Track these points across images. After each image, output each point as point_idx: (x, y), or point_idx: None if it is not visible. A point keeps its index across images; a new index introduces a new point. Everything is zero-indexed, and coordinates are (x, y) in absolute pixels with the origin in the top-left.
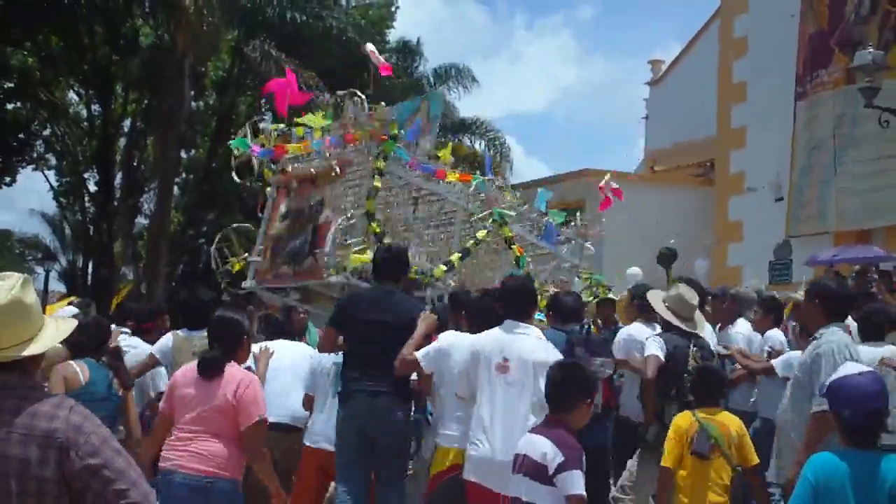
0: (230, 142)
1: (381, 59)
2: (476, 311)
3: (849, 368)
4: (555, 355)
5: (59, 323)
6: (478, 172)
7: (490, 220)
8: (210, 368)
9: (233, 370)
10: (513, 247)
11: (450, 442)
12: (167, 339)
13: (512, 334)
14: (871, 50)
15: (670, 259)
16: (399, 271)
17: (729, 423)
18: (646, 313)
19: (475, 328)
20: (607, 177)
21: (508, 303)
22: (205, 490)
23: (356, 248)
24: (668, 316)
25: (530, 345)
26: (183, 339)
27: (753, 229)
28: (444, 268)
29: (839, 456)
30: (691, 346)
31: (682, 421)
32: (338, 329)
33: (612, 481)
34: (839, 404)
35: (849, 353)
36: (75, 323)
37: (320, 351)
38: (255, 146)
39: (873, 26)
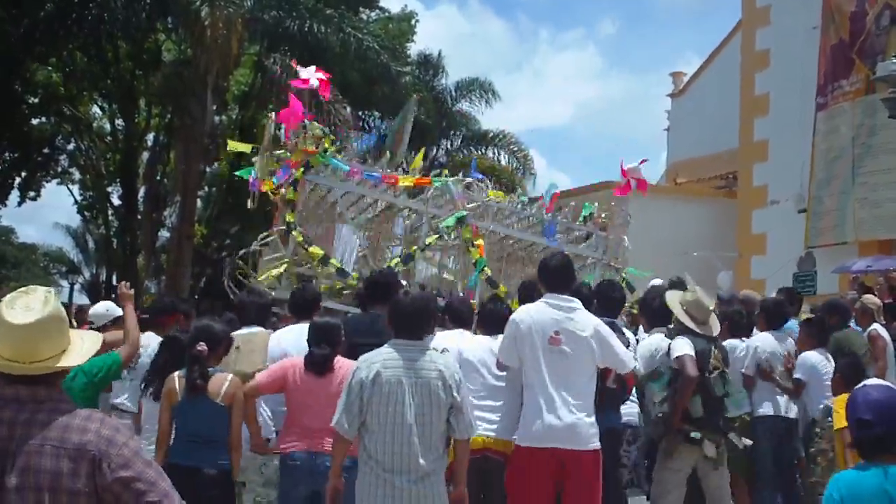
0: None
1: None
2: (488, 316)
3: (871, 381)
4: (602, 324)
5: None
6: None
7: (444, 223)
8: (324, 365)
9: (343, 362)
10: (472, 249)
11: (480, 429)
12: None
13: (560, 308)
14: (895, 60)
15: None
16: (388, 296)
17: None
18: (658, 322)
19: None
20: (635, 164)
21: (551, 278)
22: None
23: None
24: (685, 319)
25: (581, 316)
26: None
27: (776, 242)
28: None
29: (864, 471)
30: (712, 348)
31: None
32: None
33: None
34: (852, 416)
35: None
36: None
37: None
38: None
39: (894, 37)
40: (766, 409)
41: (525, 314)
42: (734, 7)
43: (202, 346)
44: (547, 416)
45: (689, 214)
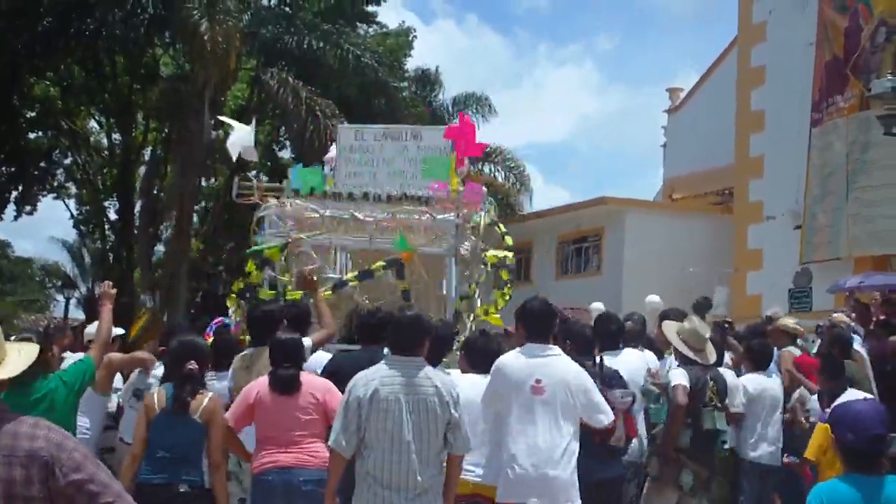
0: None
1: None
2: (477, 353)
3: (850, 395)
4: (583, 373)
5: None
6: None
7: None
8: (292, 385)
9: (306, 377)
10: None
11: (470, 476)
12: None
13: (541, 356)
14: (890, 78)
15: (704, 308)
16: (382, 336)
17: None
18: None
19: (476, 369)
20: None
21: (532, 323)
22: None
23: None
24: (682, 347)
25: (562, 365)
26: None
27: (773, 257)
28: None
29: (844, 482)
30: (708, 378)
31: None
32: None
33: None
34: (841, 430)
35: None
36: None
37: None
38: None
39: (888, 54)
40: (755, 452)
41: (507, 363)
42: (731, 22)
43: (194, 365)
44: (524, 471)
45: (685, 230)
